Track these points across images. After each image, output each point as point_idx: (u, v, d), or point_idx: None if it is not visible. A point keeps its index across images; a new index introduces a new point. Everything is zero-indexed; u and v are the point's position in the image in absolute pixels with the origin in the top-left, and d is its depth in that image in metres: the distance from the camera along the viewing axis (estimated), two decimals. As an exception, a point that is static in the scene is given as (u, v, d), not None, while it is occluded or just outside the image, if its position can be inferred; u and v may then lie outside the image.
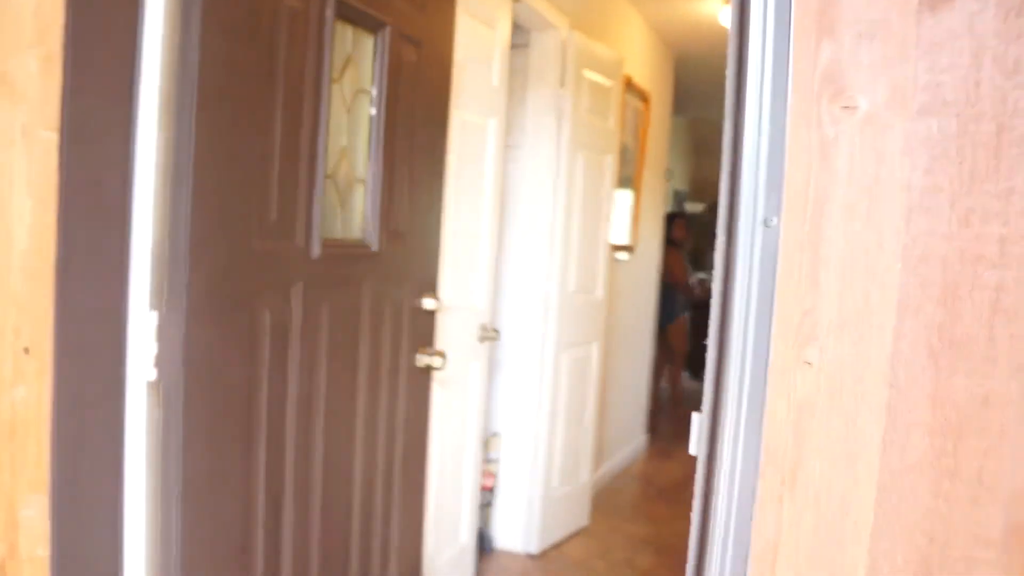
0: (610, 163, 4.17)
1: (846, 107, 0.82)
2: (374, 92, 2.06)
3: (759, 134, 0.84)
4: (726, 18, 4.69)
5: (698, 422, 0.93)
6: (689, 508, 3.42)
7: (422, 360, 2.39)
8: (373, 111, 2.07)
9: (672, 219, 6.89)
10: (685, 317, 7.14)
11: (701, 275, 9.82)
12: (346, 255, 2.02)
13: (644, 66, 5.14)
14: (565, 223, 3.72)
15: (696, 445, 0.93)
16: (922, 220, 0.84)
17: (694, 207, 10.16)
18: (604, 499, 4.52)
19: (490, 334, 3.16)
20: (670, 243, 6.74)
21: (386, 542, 2.29)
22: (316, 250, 1.86)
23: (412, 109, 2.22)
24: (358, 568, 2.16)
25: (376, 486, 2.22)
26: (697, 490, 0.91)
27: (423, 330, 2.41)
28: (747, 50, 0.85)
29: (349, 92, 2.01)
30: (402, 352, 2.30)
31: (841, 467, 0.80)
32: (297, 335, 1.83)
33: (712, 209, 11.20)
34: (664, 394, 7.49)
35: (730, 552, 0.84)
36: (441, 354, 2.42)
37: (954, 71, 0.83)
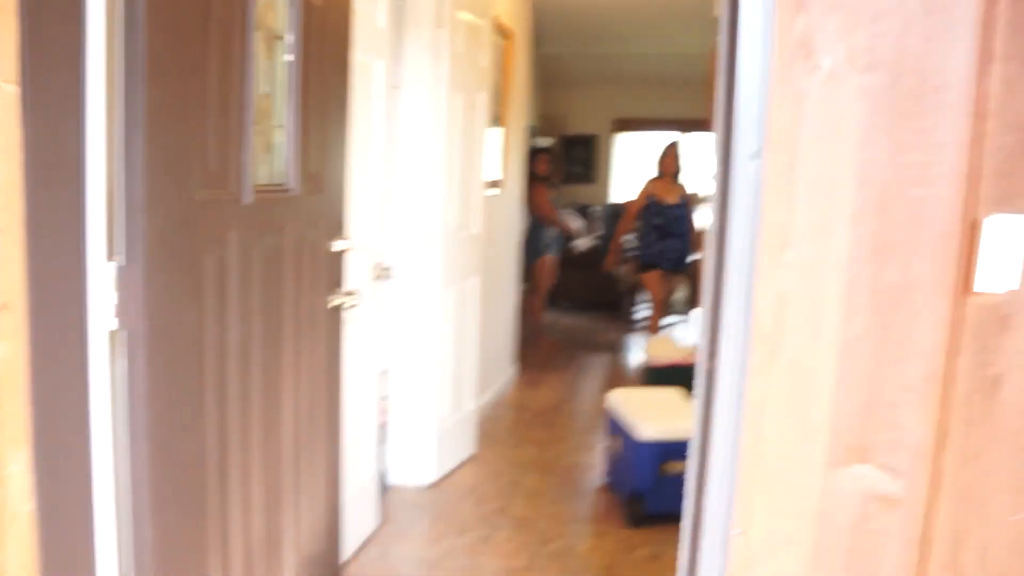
0: (483, 101, 4.27)
1: (814, 66, 1.00)
2: (289, 38, 2.08)
3: (749, 88, 1.01)
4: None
5: (698, 314, 1.11)
6: (563, 432, 3.75)
7: (335, 300, 2.46)
8: (289, 57, 2.09)
9: (535, 154, 7.02)
10: (551, 256, 7.30)
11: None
12: (272, 200, 2.06)
13: (507, 2, 5.22)
14: (446, 162, 3.81)
15: (697, 332, 1.10)
16: (867, 151, 1.03)
17: (544, 141, 10.39)
18: (486, 428, 4.72)
19: (384, 272, 3.25)
20: (535, 178, 6.89)
21: (313, 478, 2.38)
22: (248, 197, 1.90)
23: (321, 54, 2.25)
24: (292, 504, 2.25)
25: (303, 424, 2.30)
26: (700, 365, 1.09)
27: (334, 271, 2.48)
28: (739, 21, 1.01)
29: (265, 39, 2.02)
30: (318, 293, 2.36)
31: (810, 341, 1.01)
32: (234, 281, 1.87)
33: (562, 142, 11.44)
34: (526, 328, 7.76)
35: (730, 408, 1.03)
36: (352, 294, 2.49)
37: (889, 37, 1.02)
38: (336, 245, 2.44)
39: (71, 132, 1.42)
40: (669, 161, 6.40)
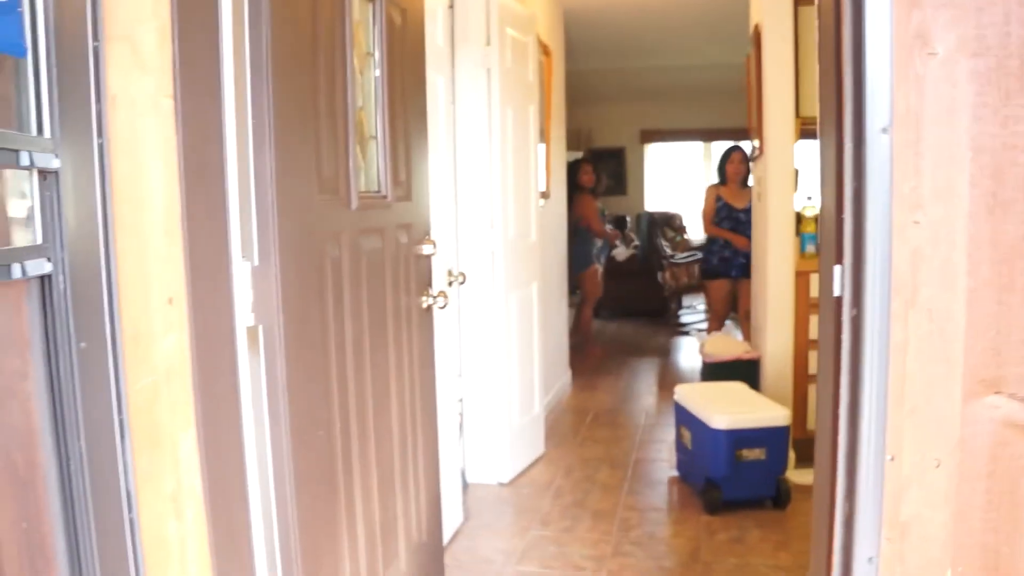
0: (533, 114, 4.41)
1: (930, 53, 1.13)
2: (376, 55, 2.23)
3: (876, 72, 1.15)
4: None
5: (840, 271, 1.22)
6: (625, 431, 3.87)
7: (426, 301, 2.59)
8: (377, 72, 2.24)
9: (578, 165, 7.13)
10: (597, 267, 7.41)
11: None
12: (371, 206, 2.19)
13: (544, 20, 5.38)
14: (502, 174, 3.95)
15: (840, 287, 1.22)
16: (978, 125, 1.16)
17: (572, 156, 10.53)
18: (550, 429, 4.82)
19: (457, 278, 3.38)
20: (580, 189, 7.01)
21: (417, 468, 2.50)
22: (355, 202, 2.04)
23: (403, 69, 2.40)
24: (401, 493, 2.37)
25: (406, 416, 2.43)
26: (846, 314, 1.20)
27: (424, 273, 2.61)
28: (864, 18, 1.15)
29: (358, 56, 2.17)
30: (412, 293, 2.49)
31: (943, 289, 1.11)
32: (347, 280, 2.01)
33: (590, 156, 11.59)
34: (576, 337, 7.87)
35: (876, 349, 1.14)
36: (444, 295, 2.63)
37: (993, 27, 1.14)
38: (424, 249, 2.57)
39: (214, 140, 1.57)
40: (735, 167, 5.98)
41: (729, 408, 3.71)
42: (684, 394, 4.03)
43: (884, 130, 1.17)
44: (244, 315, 1.66)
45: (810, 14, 4.29)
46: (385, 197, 2.28)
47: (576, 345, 7.33)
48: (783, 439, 3.70)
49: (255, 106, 1.64)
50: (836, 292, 1.25)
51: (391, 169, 2.29)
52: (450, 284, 3.32)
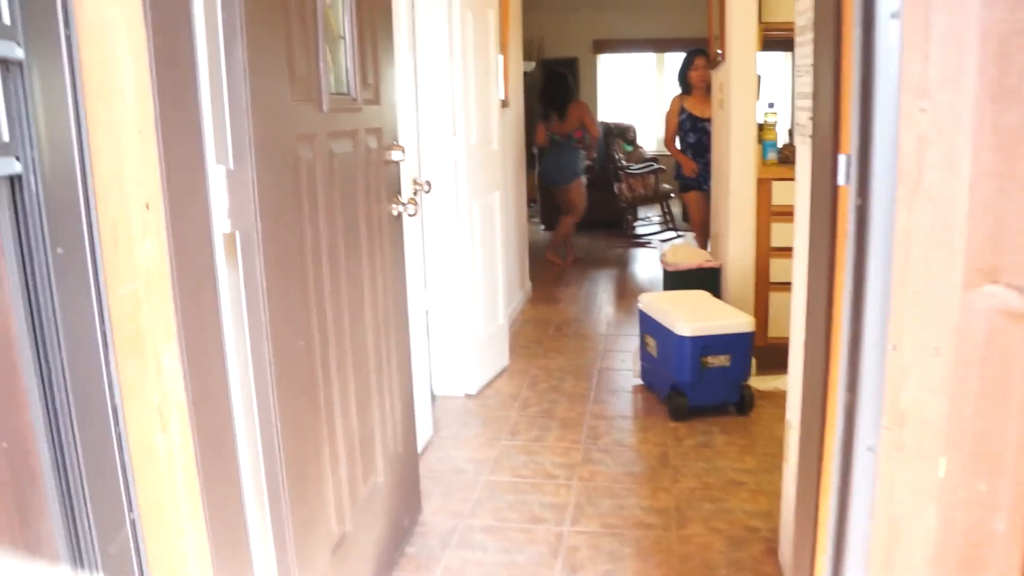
0: (492, 19, 4.28)
1: None
2: (343, -53, 2.11)
3: None
4: None
5: (845, 161, 1.20)
6: (588, 342, 3.87)
7: (397, 209, 2.53)
8: (344, -32, 2.12)
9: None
10: (582, 179, 7.40)
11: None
12: (342, 108, 2.11)
13: (501, -80, 5.19)
14: (463, 80, 3.84)
15: (844, 176, 1.19)
16: (986, 10, 1.12)
17: (527, 66, 10.33)
18: (513, 342, 4.83)
19: (423, 186, 3.31)
20: (575, 100, 7.24)
21: (391, 380, 2.48)
22: (326, 104, 1.95)
23: (369, -36, 2.28)
24: (377, 404, 2.35)
25: (380, 326, 2.39)
26: (851, 206, 1.18)
27: (393, 180, 2.54)
28: None
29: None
30: (382, 200, 2.43)
31: (947, 174, 1.10)
32: (321, 184, 1.94)
33: (542, 66, 11.36)
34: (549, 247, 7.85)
35: (881, 237, 1.13)
36: (413, 202, 2.56)
37: None
38: (393, 155, 2.49)
39: (183, 33, 1.47)
40: (700, 73, 5.60)
41: (694, 315, 3.73)
42: (649, 303, 4.05)
43: (894, 15, 1.12)
44: (221, 221, 1.59)
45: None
46: (355, 100, 2.19)
47: (538, 257, 7.34)
48: (747, 346, 3.74)
49: (223, 3, 1.54)
50: (841, 182, 1.23)
51: (359, 71, 2.20)
52: (415, 193, 3.24)
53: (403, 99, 3.13)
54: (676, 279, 4.81)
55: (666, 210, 8.80)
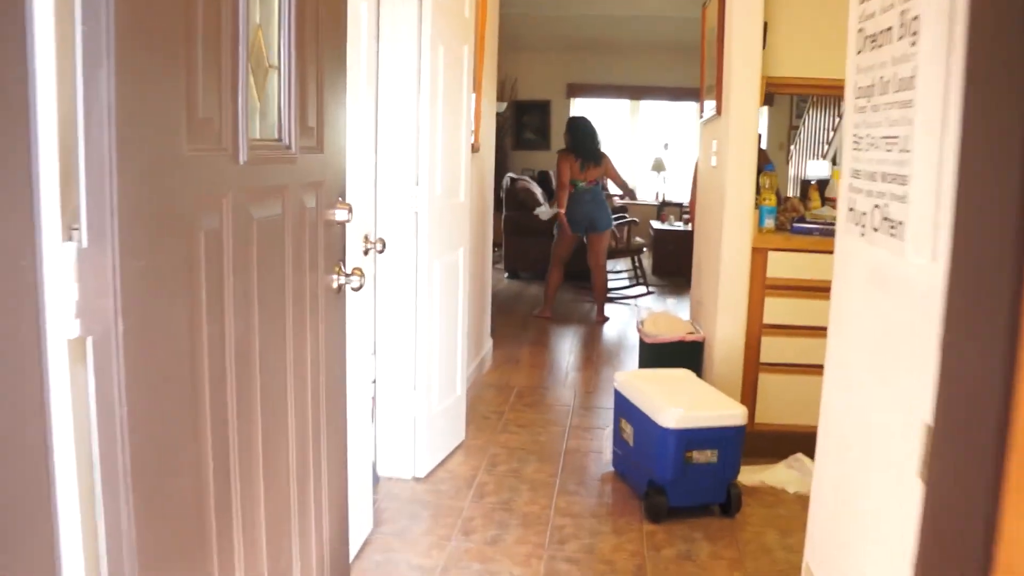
0: (467, 55, 3.85)
1: None
2: (283, -46, 1.65)
3: None
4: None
5: None
6: (552, 414, 3.39)
7: (338, 281, 2.05)
8: (282, -23, 1.66)
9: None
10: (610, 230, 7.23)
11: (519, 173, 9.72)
12: (268, 159, 1.63)
13: (481, -51, 4.78)
14: (431, 123, 3.39)
15: None
16: None
17: (498, 107, 9.94)
18: (470, 410, 4.33)
19: (375, 245, 2.83)
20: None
21: (319, 495, 1.98)
22: (244, 154, 1.48)
23: (317, -21, 1.83)
24: (299, 534, 1.85)
25: (309, 429, 1.90)
26: None
27: (335, 245, 2.07)
28: None
29: (256, -48, 1.59)
30: (319, 270, 1.95)
31: None
32: (230, 259, 1.45)
33: (514, 108, 10.97)
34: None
35: None
36: (359, 272, 2.09)
37: None
38: (337, 215, 2.02)
39: (13, 57, 1.00)
40: None
41: (679, 403, 3.28)
42: (626, 383, 3.59)
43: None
44: (63, 323, 1.10)
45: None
46: (288, 148, 1.71)
47: (503, 309, 6.86)
48: (738, 441, 3.30)
49: (84, 11, 1.07)
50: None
51: (298, 111, 1.73)
52: (366, 252, 2.77)
53: (359, 141, 2.66)
54: (654, 352, 4.36)
55: (637, 264, 8.39)
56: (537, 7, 9.45)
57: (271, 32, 1.65)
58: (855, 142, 1.66)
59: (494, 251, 6.95)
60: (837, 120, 9.15)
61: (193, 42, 1.28)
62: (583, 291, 8.21)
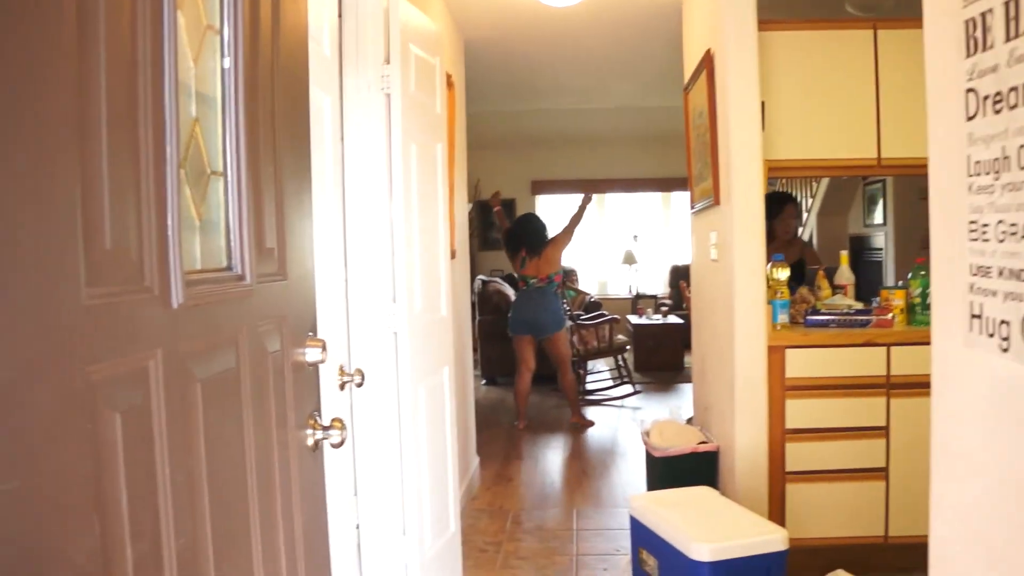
0: (441, 154, 3.51)
1: None
2: (226, 30, 1.28)
3: None
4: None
5: None
6: (557, 541, 2.84)
7: (313, 436, 1.63)
8: (227, 61, 1.29)
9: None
10: (567, 327, 6.75)
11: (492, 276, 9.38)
12: (215, 295, 1.23)
13: (446, 47, 4.52)
14: (406, 230, 3.01)
15: None
16: None
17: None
18: (465, 542, 3.85)
19: (352, 377, 2.41)
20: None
21: None
22: (178, 293, 1.07)
23: (271, 66, 1.46)
24: None
25: (282, 645, 1.44)
26: None
27: (307, 391, 1.64)
28: None
29: (192, 29, 1.22)
30: (289, 427, 1.52)
31: None
32: (164, 443, 1.03)
33: (477, 208, 10.73)
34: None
35: None
36: (340, 425, 1.66)
37: None
38: (308, 355, 1.61)
39: None
40: (786, 224, 4.79)
41: (710, 529, 2.84)
42: (644, 509, 3.14)
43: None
44: None
45: (775, 40, 3.58)
46: (241, 278, 1.31)
47: (487, 425, 6.39)
48: (779, 567, 2.85)
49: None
50: None
51: (252, 229, 1.33)
52: (342, 387, 2.34)
53: (327, 256, 2.28)
54: (665, 466, 3.92)
55: (621, 363, 7.99)
56: (498, 103, 9.27)
57: (212, 127, 1.26)
58: (974, 231, 1.29)
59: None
60: (809, 200, 9.02)
61: (93, 136, 0.89)
62: (562, 393, 7.78)
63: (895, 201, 8.01)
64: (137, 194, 0.98)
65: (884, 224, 8.22)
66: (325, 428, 1.65)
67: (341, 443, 1.66)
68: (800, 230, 4.69)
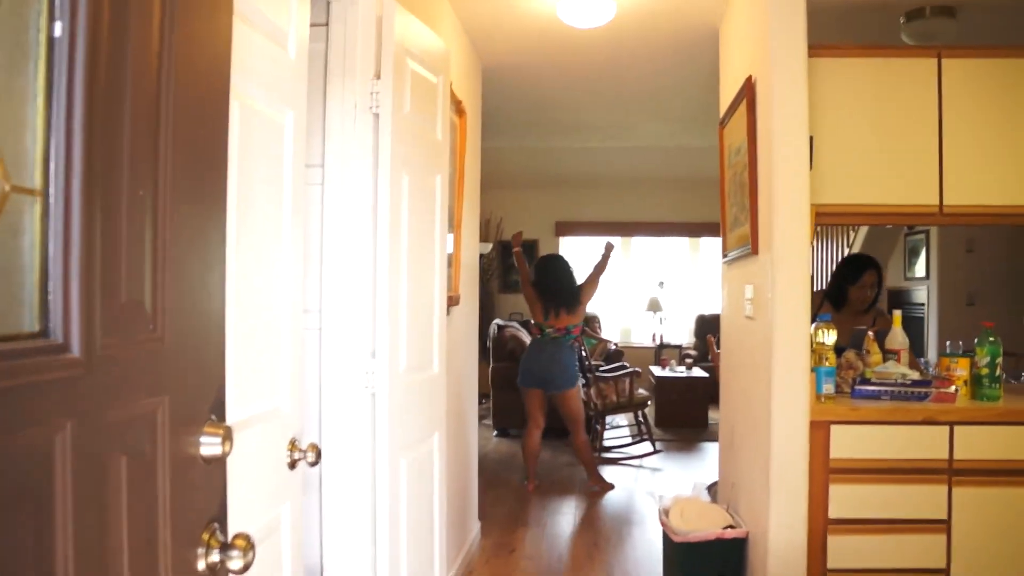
0: (440, 187, 3.08)
1: None
2: (56, -19, 0.86)
3: None
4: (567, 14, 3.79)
5: None
6: None
7: (208, 558, 1.18)
8: (58, 29, 0.86)
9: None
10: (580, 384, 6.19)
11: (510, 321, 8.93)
12: (18, 376, 0.78)
13: (459, 70, 4.12)
14: (391, 274, 2.58)
15: None
16: None
17: (483, 248, 9.24)
18: (456, 635, 3.36)
19: (305, 454, 1.96)
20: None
21: None
22: None
23: (157, 50, 1.03)
24: None
25: None
26: None
27: (202, 500, 1.20)
28: None
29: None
30: (164, 553, 1.07)
31: None
32: None
33: (499, 249, 10.33)
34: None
35: None
36: (244, 544, 1.21)
37: None
38: (204, 446, 1.17)
39: None
40: (863, 293, 3.98)
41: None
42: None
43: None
44: None
45: (823, 67, 3.14)
46: (64, 349, 0.87)
47: (495, 484, 5.91)
48: None
49: None
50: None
51: (95, 273, 0.90)
52: (292, 465, 1.90)
53: (283, 300, 1.84)
54: (684, 553, 3.42)
55: (641, 419, 7.48)
56: (521, 138, 8.90)
57: (25, 116, 0.83)
58: None
59: (480, 403, 6.04)
60: (847, 249, 8.51)
61: None
62: (570, 448, 7.28)
63: (939, 253, 7.52)
64: None
65: (927, 278, 7.72)
66: (226, 545, 1.20)
67: (244, 568, 1.20)
68: (879, 299, 3.90)
